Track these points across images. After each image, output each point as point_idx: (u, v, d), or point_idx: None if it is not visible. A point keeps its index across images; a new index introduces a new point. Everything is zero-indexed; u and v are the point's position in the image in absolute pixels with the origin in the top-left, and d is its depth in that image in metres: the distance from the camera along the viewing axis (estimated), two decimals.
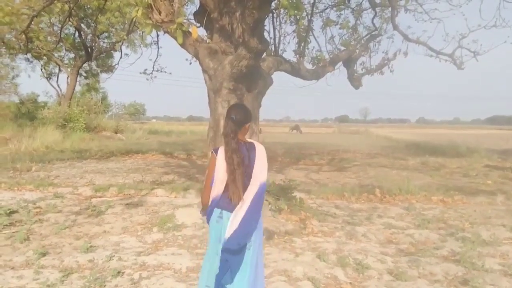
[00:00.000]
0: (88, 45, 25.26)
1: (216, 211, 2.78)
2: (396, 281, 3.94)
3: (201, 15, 6.04)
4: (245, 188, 2.73)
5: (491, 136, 38.91)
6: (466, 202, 7.68)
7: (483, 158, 15.46)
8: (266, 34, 6.60)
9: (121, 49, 21.35)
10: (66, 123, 23.04)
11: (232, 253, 2.67)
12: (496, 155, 16.55)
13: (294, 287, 3.75)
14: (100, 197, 7.63)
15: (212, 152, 2.88)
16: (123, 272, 3.99)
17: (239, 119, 2.78)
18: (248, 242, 2.73)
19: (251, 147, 2.82)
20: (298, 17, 7.88)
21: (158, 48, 10.31)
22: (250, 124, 2.92)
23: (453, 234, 5.49)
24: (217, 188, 2.77)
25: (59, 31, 18.49)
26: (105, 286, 3.68)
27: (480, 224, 6.05)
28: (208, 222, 2.85)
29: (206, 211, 2.85)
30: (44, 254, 4.45)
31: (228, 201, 2.74)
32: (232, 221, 2.68)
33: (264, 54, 6.61)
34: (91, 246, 4.75)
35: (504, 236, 5.44)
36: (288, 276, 4.02)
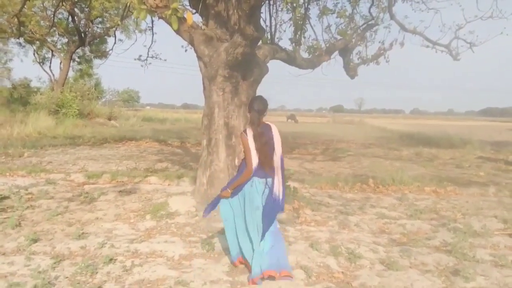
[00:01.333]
0: (82, 30, 24.91)
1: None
2: (388, 270, 3.96)
3: (196, 0, 5.94)
4: (271, 158, 3.61)
5: (484, 128, 39.18)
6: (458, 193, 7.73)
7: (476, 150, 15.54)
8: (262, 21, 6.52)
9: (115, 34, 21.10)
10: (59, 109, 22.84)
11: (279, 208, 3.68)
12: (489, 146, 16.66)
13: None
14: (92, 184, 7.60)
15: (242, 133, 3.67)
16: (115, 259, 3.98)
17: (261, 109, 3.63)
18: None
19: (268, 128, 3.66)
20: (294, 4, 7.77)
21: (152, 34, 10.17)
22: (267, 111, 3.73)
23: (445, 225, 5.52)
24: (255, 160, 3.53)
25: (52, 16, 18.23)
26: (97, 273, 3.66)
27: (472, 215, 6.09)
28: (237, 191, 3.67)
29: (241, 182, 3.63)
30: (35, 241, 4.42)
31: (257, 170, 3.56)
32: (276, 185, 3.63)
33: (260, 42, 6.54)
34: (83, 233, 4.72)
35: (496, 227, 5.48)
36: None
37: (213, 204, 3.81)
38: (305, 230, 5.18)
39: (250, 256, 3.60)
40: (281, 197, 3.66)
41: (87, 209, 5.86)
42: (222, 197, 3.73)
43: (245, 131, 3.65)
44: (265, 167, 3.59)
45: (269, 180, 3.63)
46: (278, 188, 3.64)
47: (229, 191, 3.67)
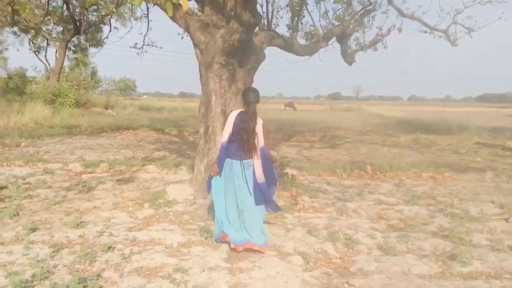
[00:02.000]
0: (77, 18, 24.58)
1: (228, 161, 3.98)
2: (385, 256, 3.99)
3: None
4: (248, 145, 3.92)
5: (481, 114, 39.19)
6: (455, 178, 7.76)
7: (473, 136, 15.58)
8: (258, 7, 6.43)
9: (110, 22, 20.77)
10: (55, 98, 22.67)
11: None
12: (486, 132, 16.69)
13: (284, 262, 3.78)
14: (90, 173, 7.58)
15: (231, 111, 4.12)
16: (114, 248, 3.99)
17: (258, 100, 4.03)
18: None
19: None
20: None
21: (148, 21, 10.05)
22: None
23: (442, 210, 5.55)
24: (224, 136, 3.93)
25: (46, 4, 18.00)
26: (95, 261, 3.67)
27: (469, 201, 6.13)
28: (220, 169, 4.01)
29: (218, 157, 4.00)
30: (34, 230, 4.43)
31: (234, 153, 3.96)
32: (257, 168, 4.00)
33: (257, 28, 6.47)
34: (81, 222, 4.73)
35: (492, 212, 5.52)
36: (278, 251, 4.05)
37: (209, 183, 4.17)
38: (303, 217, 5.20)
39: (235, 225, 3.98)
40: (264, 180, 4.02)
41: (85, 198, 5.86)
42: (215, 174, 4.05)
43: (232, 111, 4.09)
44: (241, 151, 3.96)
45: (246, 161, 3.98)
46: (259, 172, 3.99)
47: (215, 165, 4.03)
